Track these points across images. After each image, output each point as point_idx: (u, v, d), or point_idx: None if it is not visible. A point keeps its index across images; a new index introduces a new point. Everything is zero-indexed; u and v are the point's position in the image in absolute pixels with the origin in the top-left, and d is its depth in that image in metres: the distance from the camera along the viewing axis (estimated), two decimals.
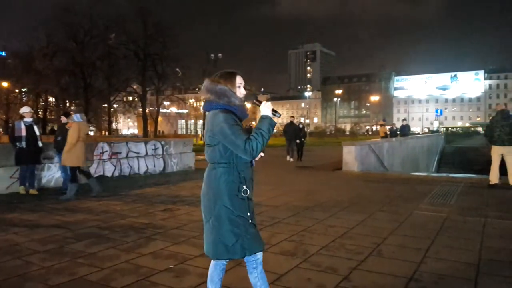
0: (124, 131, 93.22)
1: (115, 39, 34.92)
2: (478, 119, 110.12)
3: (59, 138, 7.89)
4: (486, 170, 9.09)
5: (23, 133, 7.39)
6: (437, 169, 25.02)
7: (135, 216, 5.67)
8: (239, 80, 2.42)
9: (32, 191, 7.57)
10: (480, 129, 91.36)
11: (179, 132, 68.52)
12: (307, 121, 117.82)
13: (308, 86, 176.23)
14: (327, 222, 5.26)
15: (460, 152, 29.44)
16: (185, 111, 66.03)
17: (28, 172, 7.64)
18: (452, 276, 3.33)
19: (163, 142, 11.71)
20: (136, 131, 77.25)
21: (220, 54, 37.97)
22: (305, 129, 18.02)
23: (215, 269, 2.54)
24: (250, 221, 2.36)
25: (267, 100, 2.46)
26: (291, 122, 15.83)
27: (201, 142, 37.08)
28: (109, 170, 9.86)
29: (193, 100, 56.27)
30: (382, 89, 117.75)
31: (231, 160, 2.32)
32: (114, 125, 51.31)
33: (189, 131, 70.56)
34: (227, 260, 2.51)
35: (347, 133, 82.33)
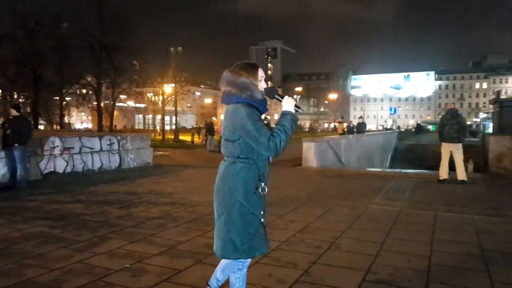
0: (78, 125, 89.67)
1: (68, 29, 33.20)
2: (429, 117, 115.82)
3: (8, 132, 7.47)
4: (435, 166, 9.54)
5: None
6: (391, 165, 25.99)
7: (89, 214, 5.44)
8: (260, 73, 2.33)
9: None
10: (430, 127, 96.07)
11: (137, 127, 66.75)
12: (268, 117, 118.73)
13: (269, 82, 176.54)
14: (287, 217, 5.30)
15: (411, 149, 30.79)
16: (142, 105, 64.38)
17: None
18: (406, 268, 3.45)
19: (119, 137, 11.32)
20: (90, 126, 74.50)
21: (180, 48, 37.30)
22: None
23: (231, 265, 2.44)
24: (262, 219, 2.29)
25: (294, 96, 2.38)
26: None
27: (159, 137, 36.36)
28: (60, 166, 9.36)
29: (151, 94, 54.92)
30: (340, 88, 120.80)
31: (252, 156, 2.23)
32: (66, 119, 49.01)
33: (147, 126, 68.92)
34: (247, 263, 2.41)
35: (306, 129, 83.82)
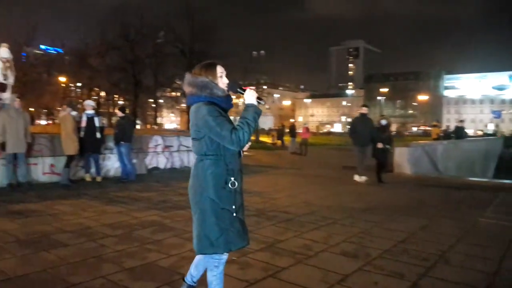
0: (167, 125, 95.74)
1: (163, 38, 35.87)
2: None
3: (117, 131, 8.28)
4: None
5: (83, 124, 7.83)
6: (496, 175, 23.45)
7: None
8: (220, 70, 2.38)
9: (98, 179, 8.07)
10: None
11: None
12: (349, 120, 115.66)
13: (350, 83, 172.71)
14: (385, 225, 5.10)
15: None
16: None
17: (91, 161, 8.10)
18: None
19: None
20: (178, 126, 79.02)
21: (262, 51, 38.05)
22: (391, 129, 10.25)
23: (205, 261, 2.48)
24: (235, 214, 2.31)
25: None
26: (363, 116, 9.42)
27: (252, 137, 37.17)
28: (162, 162, 10.20)
29: (234, 96, 56.80)
30: (430, 88, 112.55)
31: (218, 152, 2.27)
32: (158, 119, 52.83)
33: None
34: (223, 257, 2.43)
35: (393, 133, 79.77)
